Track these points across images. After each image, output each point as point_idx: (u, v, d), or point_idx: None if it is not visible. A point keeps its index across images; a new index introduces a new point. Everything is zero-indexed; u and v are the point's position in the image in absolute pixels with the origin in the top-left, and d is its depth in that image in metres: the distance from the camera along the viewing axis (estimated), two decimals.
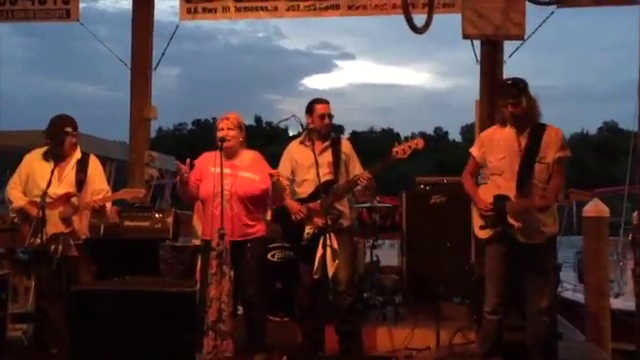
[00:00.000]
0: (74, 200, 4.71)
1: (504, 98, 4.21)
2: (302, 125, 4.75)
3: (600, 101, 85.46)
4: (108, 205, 4.85)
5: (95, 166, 4.90)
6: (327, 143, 4.82)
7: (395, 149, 4.54)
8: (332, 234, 4.43)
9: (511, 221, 4.14)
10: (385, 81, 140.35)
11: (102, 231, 5.93)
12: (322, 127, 4.80)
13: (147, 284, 4.61)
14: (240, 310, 5.00)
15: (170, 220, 6.28)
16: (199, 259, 4.45)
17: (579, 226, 7.22)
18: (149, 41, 7.77)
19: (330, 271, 4.40)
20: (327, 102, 4.88)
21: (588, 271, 6.32)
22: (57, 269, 4.55)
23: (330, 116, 4.84)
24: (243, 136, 4.60)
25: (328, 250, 4.34)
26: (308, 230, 4.73)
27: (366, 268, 6.30)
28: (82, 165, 4.80)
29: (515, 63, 6.92)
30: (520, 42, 6.80)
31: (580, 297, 7.43)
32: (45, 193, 4.47)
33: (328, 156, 4.78)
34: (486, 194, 4.28)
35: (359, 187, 4.66)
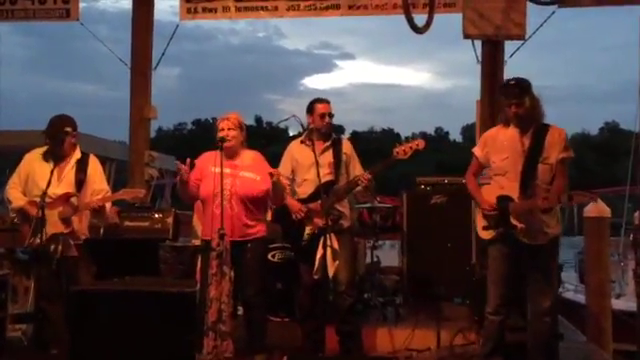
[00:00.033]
0: (74, 200, 4.70)
1: (507, 98, 4.19)
2: (302, 125, 4.75)
3: (601, 101, 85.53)
4: (108, 205, 4.84)
5: (95, 166, 4.89)
6: (328, 143, 4.82)
7: (396, 150, 4.54)
8: (332, 234, 4.42)
9: (514, 222, 4.13)
10: (385, 81, 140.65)
11: (102, 231, 5.92)
12: (323, 126, 4.80)
13: (147, 284, 4.60)
14: (240, 310, 4.99)
15: (170, 220, 6.27)
16: (199, 259, 4.43)
17: (580, 226, 7.21)
18: (149, 41, 7.77)
19: (330, 272, 4.39)
20: (328, 101, 4.88)
21: (589, 272, 6.30)
22: (57, 269, 4.54)
23: (331, 115, 4.84)
24: (244, 136, 4.59)
25: (328, 250, 4.34)
26: (308, 230, 4.72)
27: (367, 269, 6.29)
28: (82, 165, 4.80)
29: (516, 63, 6.94)
30: (521, 42, 6.80)
31: (581, 298, 7.40)
32: (45, 193, 4.46)
33: (329, 156, 4.77)
34: (489, 194, 4.27)
35: (359, 188, 4.66)
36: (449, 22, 6.85)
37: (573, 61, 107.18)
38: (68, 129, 4.76)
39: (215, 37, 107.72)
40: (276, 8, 7.45)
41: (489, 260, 4.31)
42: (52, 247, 4.55)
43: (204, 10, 7.59)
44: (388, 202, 7.10)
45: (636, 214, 7.16)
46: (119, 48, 7.84)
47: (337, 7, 7.33)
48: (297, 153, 4.88)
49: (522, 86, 4.18)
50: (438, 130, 57.73)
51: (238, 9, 7.52)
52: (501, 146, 4.26)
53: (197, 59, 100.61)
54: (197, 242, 5.25)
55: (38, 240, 4.42)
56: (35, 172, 4.74)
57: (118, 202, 5.49)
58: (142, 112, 7.68)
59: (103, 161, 5.91)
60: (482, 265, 4.79)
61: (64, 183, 4.72)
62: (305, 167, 4.78)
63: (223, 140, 4.41)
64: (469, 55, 7.06)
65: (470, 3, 6.70)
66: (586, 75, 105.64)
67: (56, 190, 4.64)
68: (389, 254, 7.55)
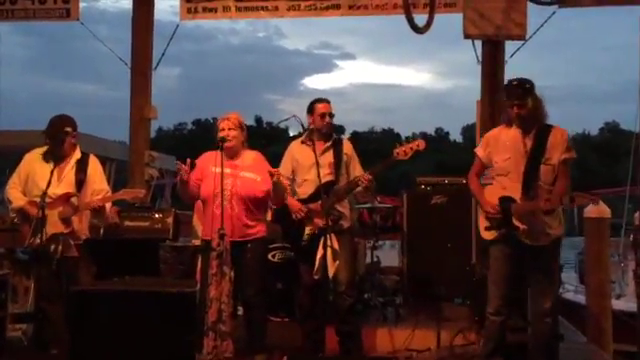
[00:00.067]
0: (74, 200, 4.69)
1: (510, 99, 4.18)
2: (302, 125, 4.75)
3: (601, 102, 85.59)
4: (108, 205, 4.83)
5: (95, 166, 4.88)
6: (329, 144, 4.82)
7: (396, 150, 4.54)
8: (332, 235, 4.42)
9: (516, 223, 4.12)
10: (386, 81, 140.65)
11: (102, 231, 5.91)
12: (323, 126, 4.80)
13: (147, 284, 4.59)
14: (240, 310, 4.99)
15: (170, 220, 6.26)
16: (199, 259, 4.44)
17: (580, 227, 7.20)
18: (149, 41, 7.76)
19: (330, 272, 4.39)
20: (328, 101, 4.88)
21: (589, 272, 6.30)
22: (57, 269, 4.54)
23: (331, 115, 4.84)
24: (244, 136, 4.59)
25: (329, 251, 4.34)
26: (308, 231, 4.72)
27: (367, 269, 6.29)
28: (82, 165, 4.79)
29: (516, 63, 6.92)
30: (521, 42, 6.79)
31: (581, 298, 7.41)
32: (45, 193, 4.46)
33: (329, 157, 4.77)
34: (492, 195, 4.27)
35: (359, 188, 4.66)
36: (449, 22, 6.86)
37: (573, 61, 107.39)
38: (68, 129, 4.75)
39: (215, 37, 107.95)
40: (276, 8, 7.44)
41: (491, 260, 4.31)
42: (52, 247, 4.55)
43: (204, 10, 7.58)
44: (388, 202, 7.10)
45: (636, 215, 7.16)
46: (119, 48, 7.84)
47: (337, 7, 7.32)
48: (297, 153, 4.88)
49: (525, 87, 4.17)
50: (438, 130, 57.85)
51: (238, 9, 7.51)
52: (503, 146, 4.26)
53: (197, 59, 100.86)
54: (197, 242, 5.24)
55: (38, 240, 4.42)
56: (35, 172, 4.73)
57: (118, 202, 5.49)
58: (142, 112, 7.66)
59: (103, 161, 5.90)
60: (483, 265, 4.79)
61: (64, 183, 4.71)
62: (305, 167, 4.77)
63: (223, 140, 4.41)
64: (469, 55, 7.07)
65: (470, 3, 6.69)
66: (586, 75, 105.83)
67: (56, 190, 4.63)
68: (389, 254, 7.55)
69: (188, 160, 4.41)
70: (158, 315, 4.19)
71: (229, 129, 4.49)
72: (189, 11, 7.60)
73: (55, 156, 4.74)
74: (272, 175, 4.31)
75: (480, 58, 6.99)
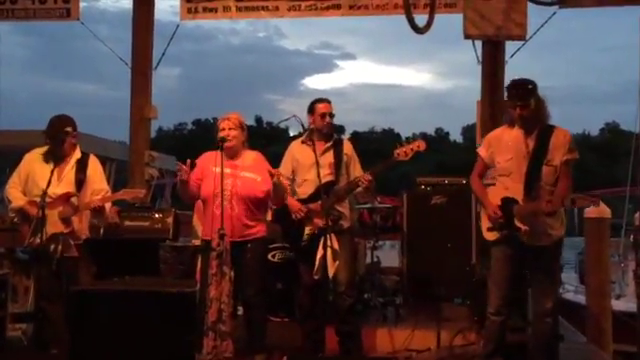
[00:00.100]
0: (74, 200, 4.69)
1: (512, 99, 4.17)
2: (303, 125, 4.75)
3: (601, 102, 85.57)
4: (108, 205, 4.83)
5: (95, 166, 4.88)
6: (329, 144, 4.81)
7: (397, 151, 4.54)
8: (332, 235, 4.42)
9: (518, 224, 4.12)
10: (386, 81, 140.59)
11: (102, 231, 5.91)
12: (323, 126, 4.79)
13: (147, 284, 4.60)
14: (240, 310, 4.98)
15: (170, 220, 6.26)
16: (199, 259, 4.43)
17: (580, 227, 7.19)
18: (149, 40, 7.76)
19: (330, 272, 4.39)
20: (329, 101, 4.88)
21: (589, 272, 6.30)
22: (57, 269, 4.53)
23: (331, 115, 4.83)
24: (244, 136, 4.59)
25: (328, 251, 4.34)
26: (308, 231, 4.72)
27: (367, 269, 6.28)
28: (82, 165, 4.79)
29: (516, 64, 6.93)
30: (522, 43, 6.79)
31: (581, 298, 7.41)
32: (45, 193, 4.46)
33: (330, 157, 4.77)
34: (494, 196, 4.26)
35: (360, 189, 4.66)
36: (450, 22, 6.86)
37: (574, 61, 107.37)
38: (68, 129, 4.76)
39: (215, 37, 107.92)
40: (277, 8, 7.44)
41: (492, 261, 4.31)
42: (52, 247, 4.55)
43: (204, 10, 7.58)
44: (388, 202, 7.09)
45: (636, 215, 7.17)
46: (119, 48, 7.85)
47: (338, 7, 7.32)
48: (298, 153, 4.87)
49: (527, 87, 4.16)
50: (438, 130, 57.77)
51: (239, 9, 7.51)
52: (506, 147, 4.25)
53: (197, 59, 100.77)
54: (197, 242, 5.24)
55: (38, 240, 4.42)
56: (35, 172, 4.73)
57: (118, 202, 5.49)
58: (142, 112, 7.66)
59: (103, 161, 5.90)
60: (484, 265, 4.78)
61: (64, 183, 4.71)
62: (306, 167, 4.77)
63: (224, 140, 4.41)
64: (470, 55, 7.07)
65: (471, 3, 6.69)
66: (587, 76, 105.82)
67: (56, 190, 4.63)
68: (389, 254, 7.54)
69: (188, 160, 4.40)
70: (158, 315, 4.19)
71: (229, 129, 4.49)
72: (189, 11, 7.60)
73: (55, 156, 4.74)
74: (272, 175, 4.31)
75: (480, 58, 7.00)
